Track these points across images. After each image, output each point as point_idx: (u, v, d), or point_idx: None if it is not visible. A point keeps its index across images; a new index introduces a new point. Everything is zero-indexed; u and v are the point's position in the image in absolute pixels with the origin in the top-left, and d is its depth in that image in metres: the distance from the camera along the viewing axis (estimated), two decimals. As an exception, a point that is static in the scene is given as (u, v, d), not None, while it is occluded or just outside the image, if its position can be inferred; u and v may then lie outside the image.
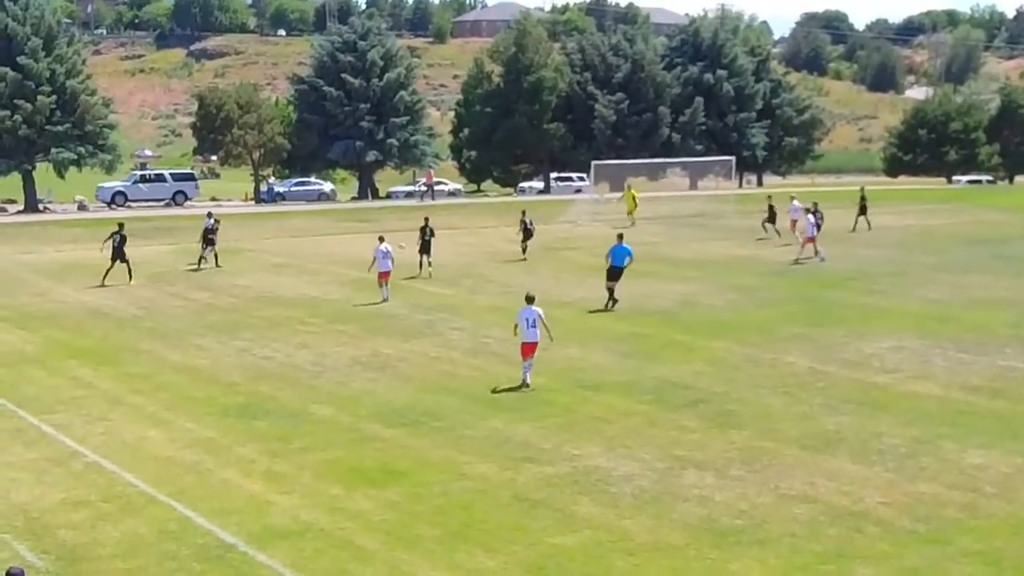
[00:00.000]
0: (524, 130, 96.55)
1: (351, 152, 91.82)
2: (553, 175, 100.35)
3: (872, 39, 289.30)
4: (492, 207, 73.72)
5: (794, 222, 50.53)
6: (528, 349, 25.71)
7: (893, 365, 27.98)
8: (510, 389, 25.56)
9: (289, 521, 17.61)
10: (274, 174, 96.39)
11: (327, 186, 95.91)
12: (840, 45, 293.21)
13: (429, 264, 42.78)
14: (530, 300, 26.06)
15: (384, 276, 37.22)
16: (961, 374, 26.79)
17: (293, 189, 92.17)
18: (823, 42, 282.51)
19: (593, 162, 73.41)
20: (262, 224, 62.84)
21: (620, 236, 37.27)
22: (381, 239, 37.79)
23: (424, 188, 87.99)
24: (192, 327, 33.36)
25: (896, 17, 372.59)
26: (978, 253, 49.57)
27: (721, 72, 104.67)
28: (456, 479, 19.52)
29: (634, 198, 60.47)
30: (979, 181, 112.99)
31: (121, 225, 42.44)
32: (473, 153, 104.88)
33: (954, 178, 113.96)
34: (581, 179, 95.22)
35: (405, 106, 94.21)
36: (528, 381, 25.61)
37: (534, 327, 25.58)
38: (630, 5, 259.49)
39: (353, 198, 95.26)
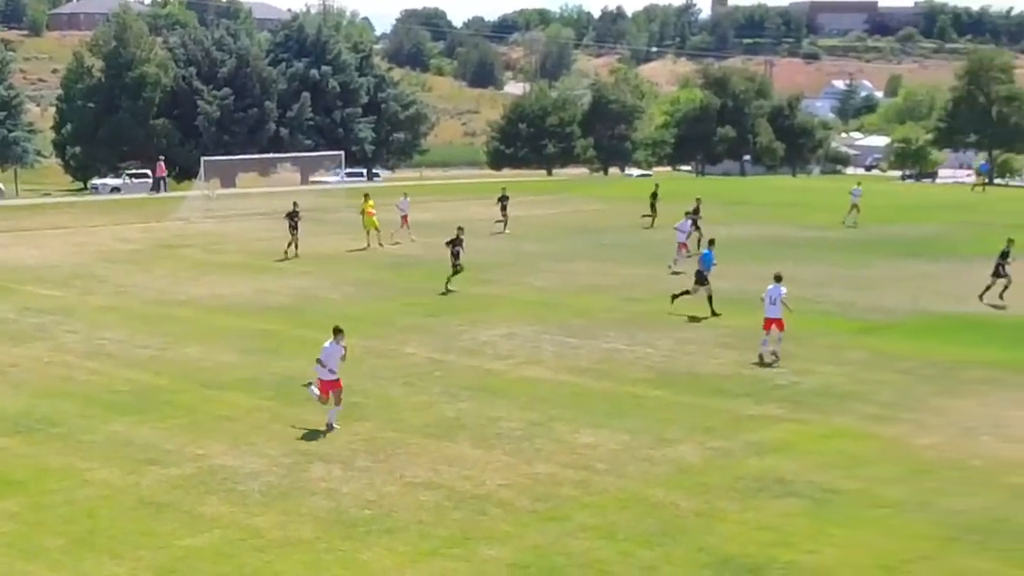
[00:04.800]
0: (129, 126, 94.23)
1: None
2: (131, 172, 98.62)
3: (470, 36, 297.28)
4: (101, 205, 71.33)
5: (404, 217, 51.55)
6: (768, 324, 27.82)
7: (507, 352, 29.07)
8: (129, 391, 25.08)
9: (-101, 541, 16.74)
10: None
11: None
12: (440, 42, 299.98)
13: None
14: (778, 279, 28.20)
15: (335, 386, 22.33)
16: (570, 358, 28.12)
17: None
18: (424, 39, 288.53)
19: (203, 158, 72.11)
20: None
21: (711, 242, 35.97)
22: (338, 331, 22.48)
23: (153, 180, 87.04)
24: None
25: (492, 15, 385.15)
26: (580, 241, 51.86)
27: (326, 68, 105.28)
28: (78, 486, 19.03)
29: (371, 217, 50.14)
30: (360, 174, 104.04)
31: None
32: (77, 149, 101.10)
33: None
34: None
35: (1, 102, 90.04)
36: (777, 353, 27.84)
37: (775, 304, 27.63)
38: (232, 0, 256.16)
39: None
